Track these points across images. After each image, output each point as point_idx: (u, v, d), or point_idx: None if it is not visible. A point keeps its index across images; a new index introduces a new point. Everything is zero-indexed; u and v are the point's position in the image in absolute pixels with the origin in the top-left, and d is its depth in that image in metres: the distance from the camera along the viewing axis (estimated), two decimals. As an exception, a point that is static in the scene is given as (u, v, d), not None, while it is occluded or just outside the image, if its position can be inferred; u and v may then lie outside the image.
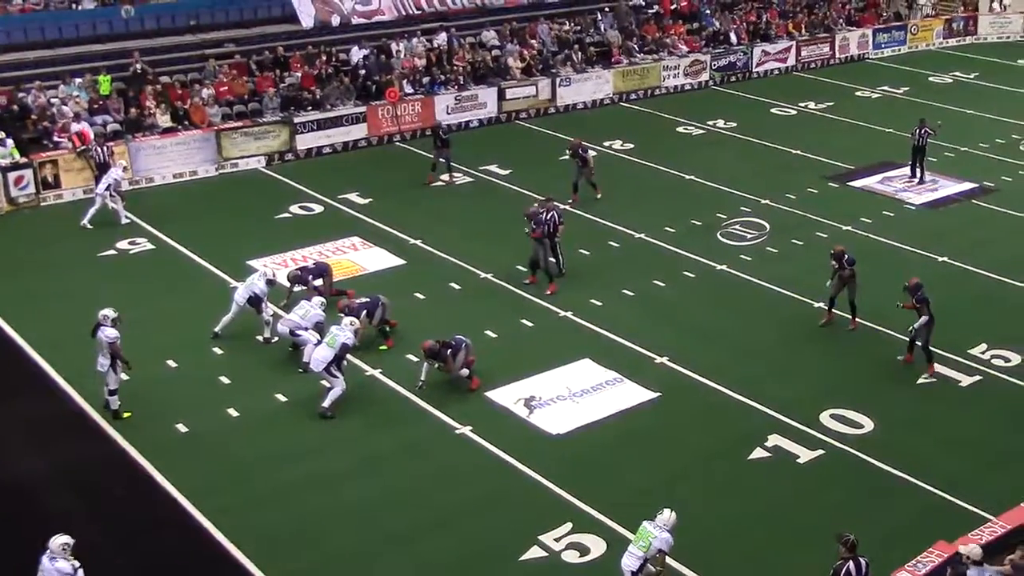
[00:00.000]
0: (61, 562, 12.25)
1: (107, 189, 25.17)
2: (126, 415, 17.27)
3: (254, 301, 19.60)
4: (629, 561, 13.00)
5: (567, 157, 27.06)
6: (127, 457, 16.44)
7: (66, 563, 12.27)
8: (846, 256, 20.13)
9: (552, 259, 22.20)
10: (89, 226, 24.98)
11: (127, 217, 25.35)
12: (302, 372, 18.48)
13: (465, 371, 18.26)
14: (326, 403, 17.49)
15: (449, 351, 18.01)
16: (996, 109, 35.55)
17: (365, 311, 19.40)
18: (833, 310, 20.56)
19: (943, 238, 24.88)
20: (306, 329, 18.84)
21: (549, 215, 22.01)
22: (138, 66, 30.12)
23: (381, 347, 19.59)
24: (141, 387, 17.69)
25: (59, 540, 12.32)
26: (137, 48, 30.82)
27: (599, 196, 26.72)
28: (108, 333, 16.84)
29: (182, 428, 17.16)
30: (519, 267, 22.59)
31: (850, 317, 20.41)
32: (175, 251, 24.11)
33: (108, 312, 17.03)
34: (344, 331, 17.72)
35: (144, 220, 25.57)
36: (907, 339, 19.17)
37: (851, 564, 12.47)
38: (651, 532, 12.96)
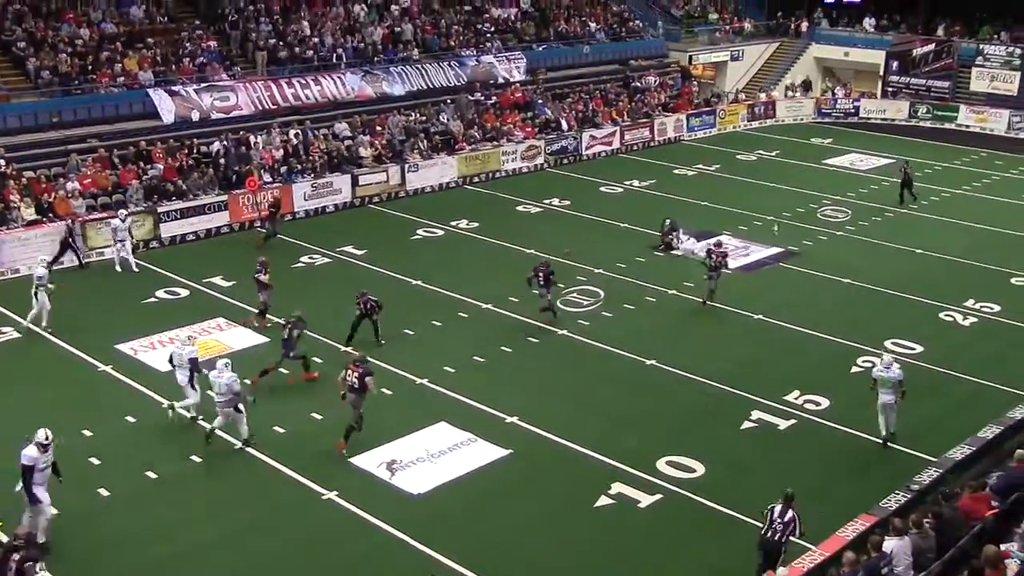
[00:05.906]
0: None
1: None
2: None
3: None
4: None
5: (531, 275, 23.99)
6: None
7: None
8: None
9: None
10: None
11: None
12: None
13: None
14: (179, 403, 18.86)
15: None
16: (795, 182, 37.27)
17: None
18: None
19: (757, 298, 25.77)
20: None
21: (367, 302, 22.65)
22: (1, 162, 29.04)
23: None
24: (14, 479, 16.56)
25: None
26: (0, 145, 29.77)
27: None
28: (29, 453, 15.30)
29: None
30: (382, 341, 22.49)
31: None
32: (43, 338, 23.14)
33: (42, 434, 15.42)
34: (183, 347, 18.99)
35: (9, 310, 24.50)
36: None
37: None
38: None
